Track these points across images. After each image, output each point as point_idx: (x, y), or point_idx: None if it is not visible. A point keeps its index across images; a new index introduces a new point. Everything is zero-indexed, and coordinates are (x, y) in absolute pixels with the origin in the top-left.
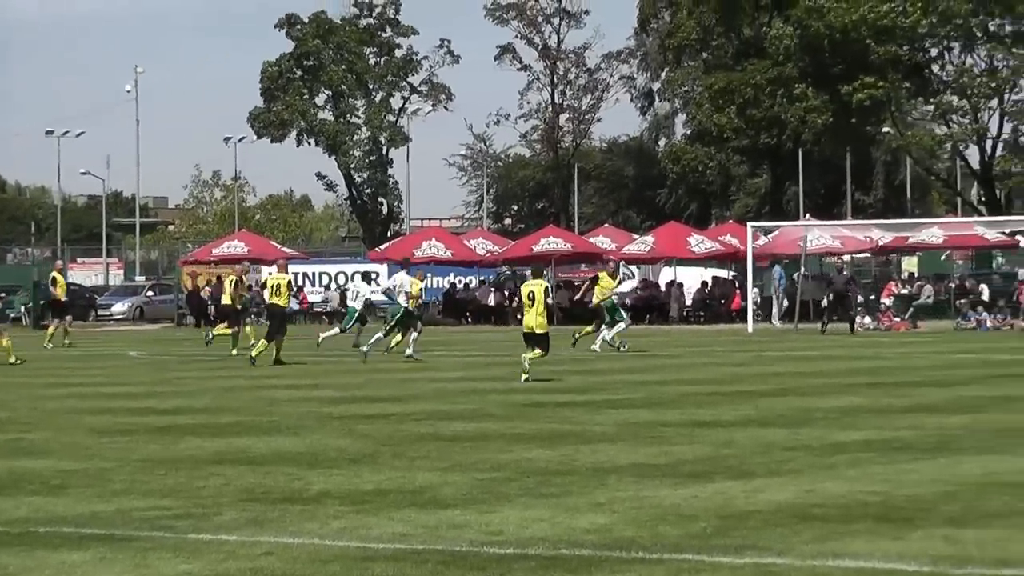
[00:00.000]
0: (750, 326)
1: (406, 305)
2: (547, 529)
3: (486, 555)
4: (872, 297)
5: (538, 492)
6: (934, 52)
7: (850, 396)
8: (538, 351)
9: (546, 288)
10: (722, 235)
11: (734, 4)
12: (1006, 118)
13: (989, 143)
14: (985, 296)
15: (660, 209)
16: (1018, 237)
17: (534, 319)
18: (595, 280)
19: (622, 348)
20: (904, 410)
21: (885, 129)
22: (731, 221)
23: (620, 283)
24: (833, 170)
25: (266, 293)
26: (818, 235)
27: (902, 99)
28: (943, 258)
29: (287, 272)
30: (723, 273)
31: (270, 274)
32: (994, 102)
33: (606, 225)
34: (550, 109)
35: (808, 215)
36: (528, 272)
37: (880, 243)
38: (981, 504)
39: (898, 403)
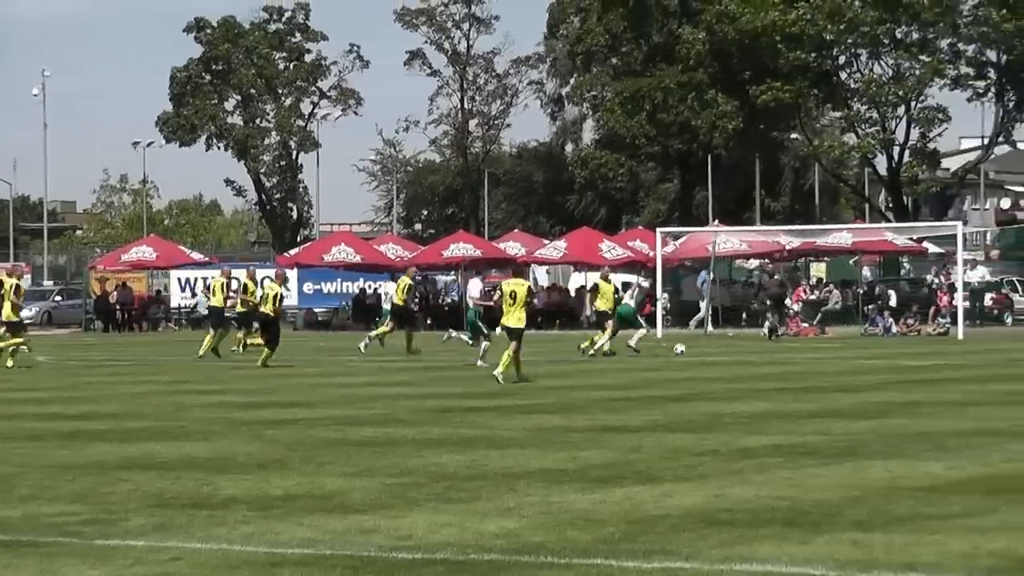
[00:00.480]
0: (659, 331)
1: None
2: (456, 534)
3: (394, 560)
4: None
5: (447, 497)
6: (842, 60)
7: (758, 401)
8: (513, 344)
9: (528, 288)
10: (632, 240)
11: (643, 10)
12: (913, 125)
13: (896, 150)
14: (893, 302)
15: (570, 215)
16: (925, 243)
17: (515, 317)
18: (595, 289)
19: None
20: (812, 415)
21: (793, 136)
22: (641, 227)
23: (634, 291)
24: (742, 176)
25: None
26: (726, 240)
27: (810, 106)
28: (851, 263)
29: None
30: (633, 278)
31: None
32: (901, 109)
33: (516, 231)
34: (460, 115)
35: (717, 220)
36: (511, 272)
37: (789, 248)
38: (888, 508)
39: (806, 408)
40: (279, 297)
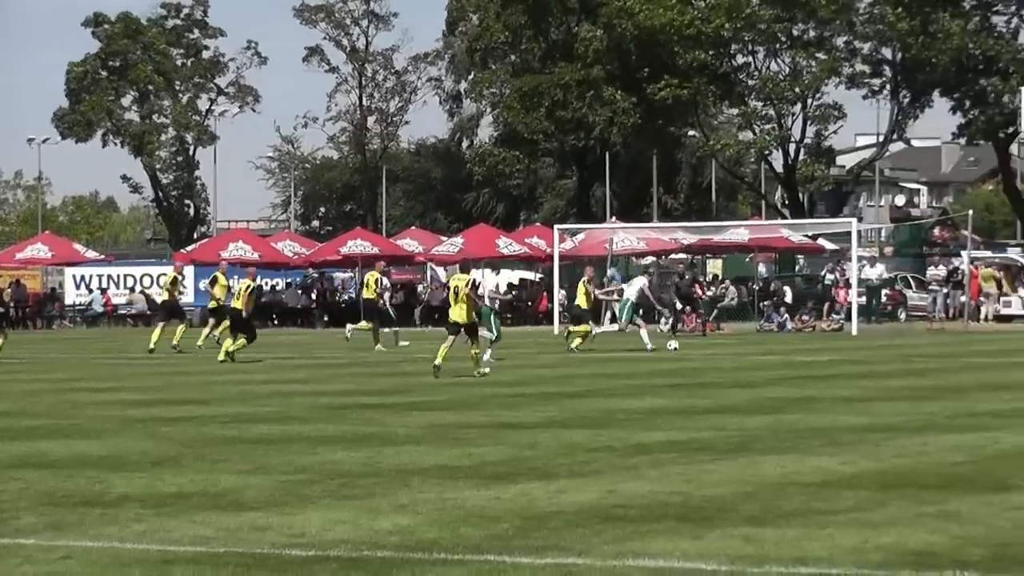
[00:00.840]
0: (556, 328)
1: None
2: (349, 531)
3: (288, 557)
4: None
5: (341, 494)
6: (739, 58)
7: (653, 397)
8: (451, 339)
9: (469, 282)
10: (529, 237)
11: (542, 6)
12: (809, 122)
13: (793, 147)
14: (788, 298)
15: (467, 212)
16: (821, 240)
17: (458, 312)
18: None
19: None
20: (707, 411)
21: (691, 132)
22: (538, 223)
23: (631, 284)
24: (640, 172)
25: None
26: (623, 237)
27: (708, 103)
28: (747, 260)
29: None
30: (531, 275)
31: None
32: (797, 107)
33: (413, 228)
34: (358, 111)
35: (615, 217)
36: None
37: (686, 244)
38: (779, 504)
39: (701, 404)
40: (252, 291)
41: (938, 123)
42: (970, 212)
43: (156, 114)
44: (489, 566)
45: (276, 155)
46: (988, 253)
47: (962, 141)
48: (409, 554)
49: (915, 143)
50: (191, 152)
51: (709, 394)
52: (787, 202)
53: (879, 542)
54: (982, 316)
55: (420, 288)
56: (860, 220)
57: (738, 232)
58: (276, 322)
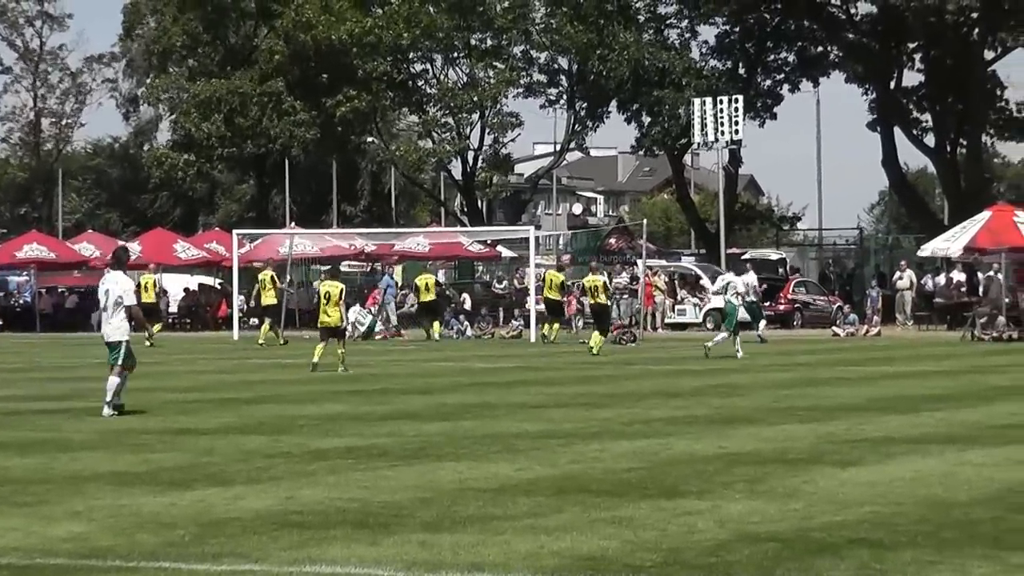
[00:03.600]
0: (235, 333)
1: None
2: (21, 539)
3: None
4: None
5: (12, 501)
6: (418, 66)
7: (332, 403)
8: (338, 342)
9: (340, 289)
10: (208, 242)
11: (220, 11)
12: (488, 131)
13: (471, 155)
14: (467, 305)
15: (144, 214)
16: (499, 247)
17: (329, 315)
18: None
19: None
20: (384, 417)
21: (371, 139)
22: (217, 228)
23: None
24: (320, 178)
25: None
26: (299, 242)
27: (387, 111)
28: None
29: None
30: (209, 280)
31: None
32: (476, 116)
33: (89, 231)
34: (31, 112)
35: (294, 223)
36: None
37: (366, 251)
38: (456, 510)
39: (379, 410)
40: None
41: (615, 133)
42: (644, 221)
43: None
44: (164, 573)
45: None
46: (663, 262)
47: (642, 152)
48: (83, 561)
49: (593, 152)
50: None
51: (388, 400)
52: (466, 209)
53: (554, 547)
54: (657, 324)
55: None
56: (538, 228)
57: (417, 239)
58: None
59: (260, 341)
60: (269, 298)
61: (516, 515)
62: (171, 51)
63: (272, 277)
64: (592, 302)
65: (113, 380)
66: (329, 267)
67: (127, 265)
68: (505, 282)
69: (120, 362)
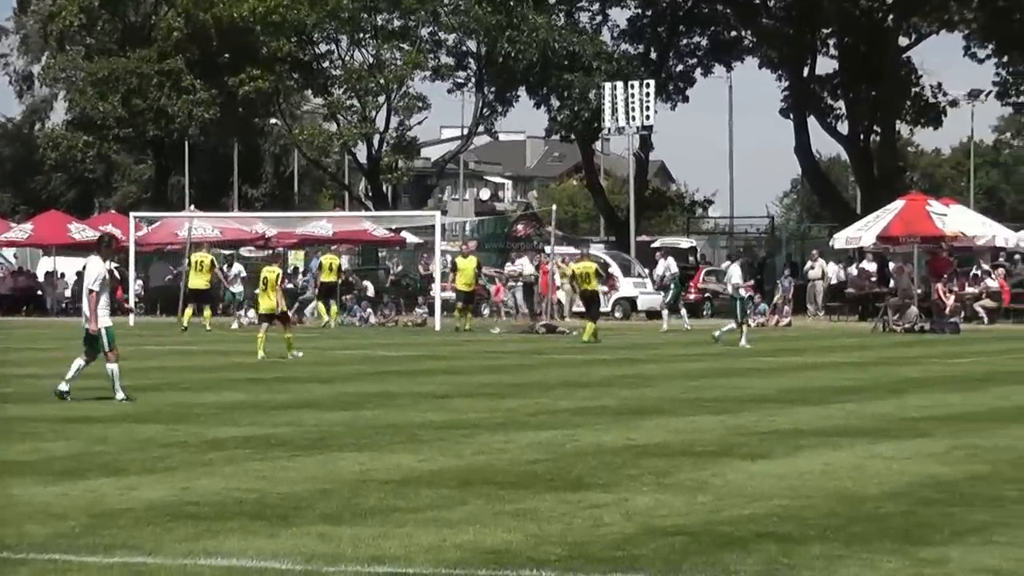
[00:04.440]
0: (131, 319)
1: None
2: None
3: None
4: (256, 292)
5: None
6: (323, 47)
7: (231, 392)
8: (264, 325)
9: (277, 274)
10: (104, 224)
11: None
12: (393, 113)
13: (377, 138)
14: (371, 292)
15: (38, 196)
16: (404, 233)
17: (268, 301)
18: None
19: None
20: (284, 406)
21: (273, 121)
22: (113, 210)
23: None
24: (221, 160)
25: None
26: (199, 225)
27: (291, 92)
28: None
29: None
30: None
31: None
32: (382, 98)
33: None
34: None
35: (193, 206)
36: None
37: (267, 236)
38: (357, 501)
39: (279, 399)
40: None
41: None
42: (554, 207)
43: None
44: (54, 565)
45: None
46: (572, 249)
47: (557, 137)
48: None
49: (501, 137)
50: None
51: (287, 388)
52: (371, 194)
53: (456, 540)
54: (564, 313)
55: None
56: (444, 213)
57: (320, 224)
58: None
59: (207, 327)
60: (203, 282)
61: (419, 507)
62: (68, 29)
63: (212, 260)
64: (583, 288)
65: (111, 367)
66: (272, 252)
67: (107, 251)
68: (401, 267)
69: (108, 348)
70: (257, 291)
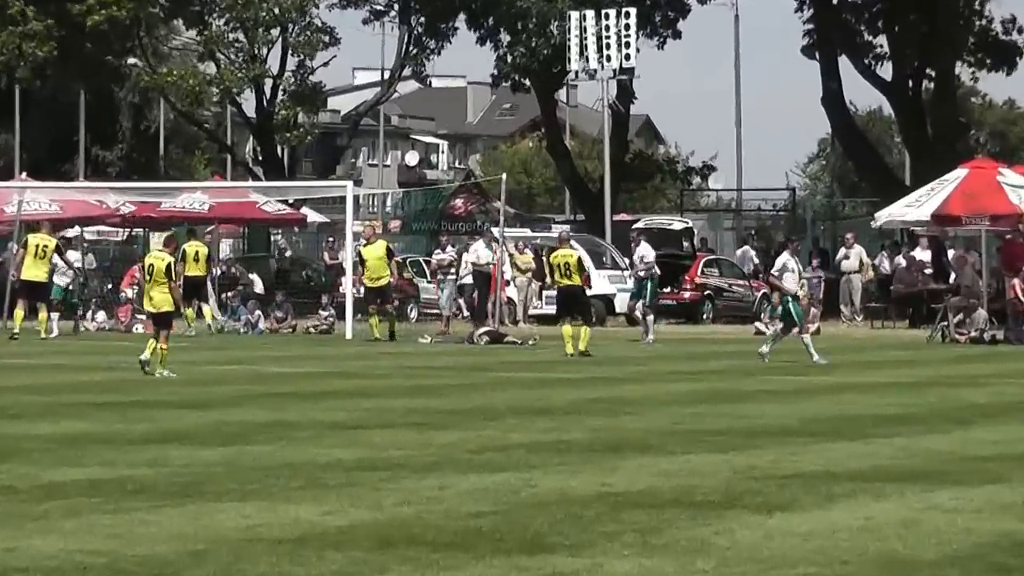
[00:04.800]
0: None
1: None
2: None
3: None
4: (110, 287)
5: None
6: None
7: (74, 419)
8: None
9: (168, 264)
10: None
11: None
12: (291, 52)
13: (269, 84)
14: (259, 288)
15: None
16: (305, 209)
17: (160, 295)
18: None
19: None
20: (144, 439)
21: (132, 61)
22: None
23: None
24: (62, 113)
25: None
26: (32, 199)
27: (156, 23)
28: (207, 233)
29: None
30: None
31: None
32: (276, 31)
33: None
34: None
35: (25, 173)
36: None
37: (123, 212)
38: (240, 567)
39: (137, 429)
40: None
41: (464, 57)
42: (503, 176)
43: None
44: None
45: None
46: (527, 231)
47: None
48: None
49: (435, 83)
50: None
51: (148, 416)
52: (261, 158)
53: None
54: (517, 315)
55: None
56: (359, 183)
57: (194, 197)
58: None
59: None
60: (41, 272)
61: None
62: None
63: (58, 245)
64: (563, 284)
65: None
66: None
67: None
68: (289, 252)
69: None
70: (130, 287)
